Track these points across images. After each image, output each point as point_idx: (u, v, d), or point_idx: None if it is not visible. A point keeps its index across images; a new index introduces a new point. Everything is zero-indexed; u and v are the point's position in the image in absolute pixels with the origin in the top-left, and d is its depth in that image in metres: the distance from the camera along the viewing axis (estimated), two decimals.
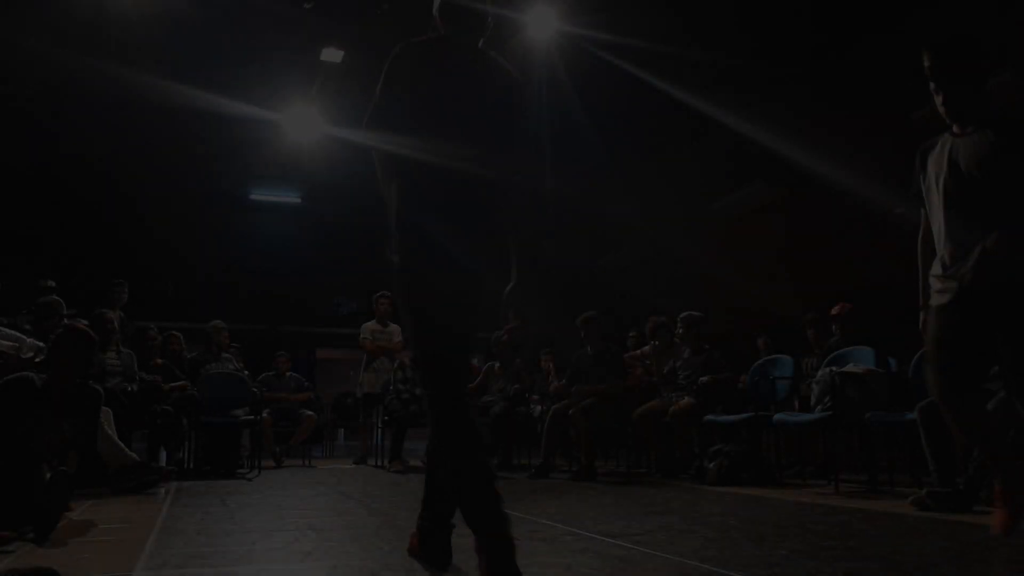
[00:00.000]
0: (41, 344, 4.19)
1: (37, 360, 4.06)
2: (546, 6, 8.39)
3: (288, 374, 7.88)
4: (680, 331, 6.16)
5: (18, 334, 4.28)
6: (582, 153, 11.45)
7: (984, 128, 2.62)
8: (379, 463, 7.34)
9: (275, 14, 8.52)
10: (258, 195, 16.02)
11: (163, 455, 6.36)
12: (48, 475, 3.09)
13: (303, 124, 11.39)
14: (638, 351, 7.32)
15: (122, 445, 4.84)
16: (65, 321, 5.48)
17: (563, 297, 12.67)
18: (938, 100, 2.73)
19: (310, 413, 7.62)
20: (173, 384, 6.16)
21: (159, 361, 6.43)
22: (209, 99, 10.33)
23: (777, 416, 5.24)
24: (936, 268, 2.59)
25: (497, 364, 7.50)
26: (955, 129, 2.72)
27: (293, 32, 9.01)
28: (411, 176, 2.13)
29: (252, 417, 6.39)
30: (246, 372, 7.25)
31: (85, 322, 5.95)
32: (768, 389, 5.46)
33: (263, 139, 11.90)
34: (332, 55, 9.46)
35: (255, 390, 6.52)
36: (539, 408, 7.09)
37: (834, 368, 4.80)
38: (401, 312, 2.23)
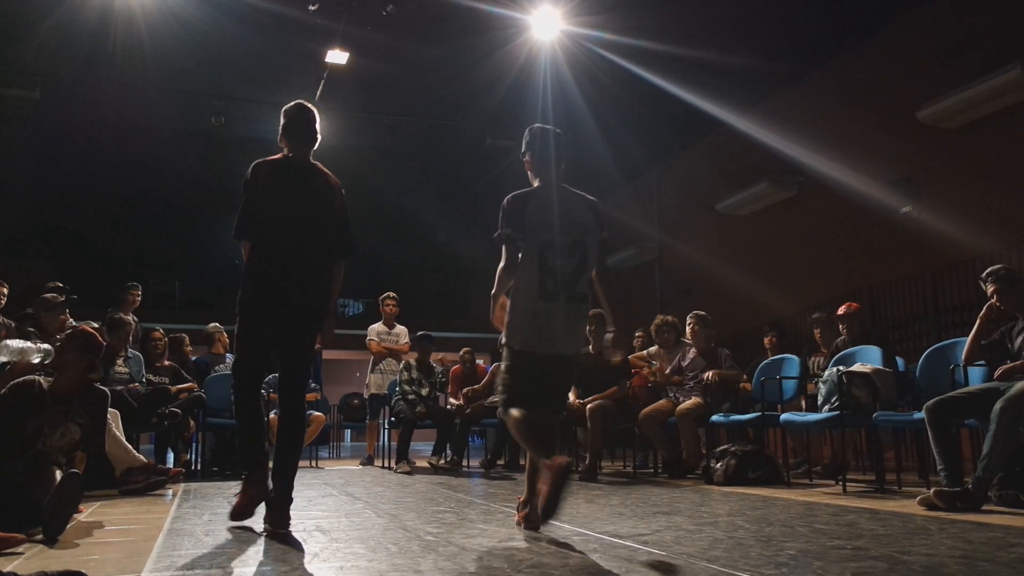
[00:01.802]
0: (48, 347, 4.20)
1: (45, 362, 4.08)
2: (551, 6, 8.39)
3: None
4: (688, 329, 6.15)
5: (24, 343, 4.30)
6: (587, 154, 11.44)
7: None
8: (386, 464, 7.35)
9: (280, 16, 8.54)
10: None
11: (170, 456, 6.39)
12: (58, 477, 3.10)
13: None
14: (644, 352, 7.30)
15: (129, 447, 4.86)
16: (71, 321, 5.51)
17: None
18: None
19: (317, 414, 7.62)
20: (180, 386, 6.18)
21: (166, 363, 6.45)
22: (214, 101, 10.35)
23: (784, 416, 5.23)
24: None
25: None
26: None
27: (298, 34, 9.04)
28: (259, 242, 3.19)
29: None
30: None
31: (95, 324, 5.98)
32: (775, 389, 5.45)
33: (268, 141, 11.93)
34: (337, 57, 9.48)
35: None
36: None
37: (841, 367, 4.78)
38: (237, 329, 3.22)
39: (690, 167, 11.62)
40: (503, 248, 2.96)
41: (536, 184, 3.12)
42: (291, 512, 3.06)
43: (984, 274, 4.15)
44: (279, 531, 2.95)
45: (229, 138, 11.75)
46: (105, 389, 3.85)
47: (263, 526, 3.04)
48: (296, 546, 2.68)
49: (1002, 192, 6.99)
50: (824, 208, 8.90)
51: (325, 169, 3.36)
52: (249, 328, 3.20)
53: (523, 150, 3.19)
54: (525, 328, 2.94)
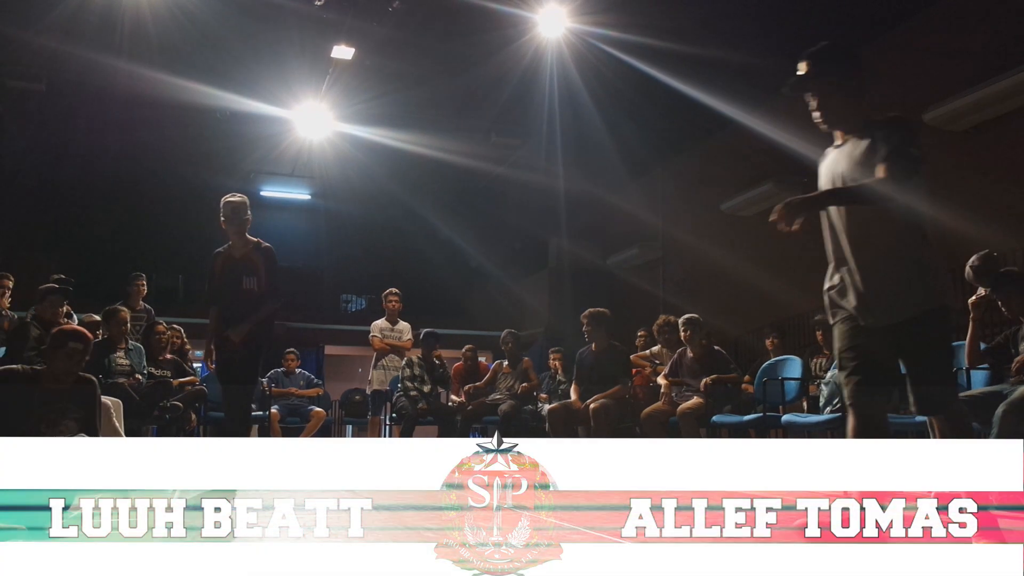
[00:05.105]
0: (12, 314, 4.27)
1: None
2: (557, 4, 8.36)
3: (297, 371, 7.90)
4: (682, 335, 6.10)
5: None
6: (593, 151, 11.41)
7: (858, 137, 2.64)
8: None
9: (286, 11, 8.53)
10: (268, 192, 16.07)
11: None
12: None
13: (313, 121, 11.40)
14: (648, 351, 7.30)
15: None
16: (67, 310, 5.52)
17: (574, 296, 12.68)
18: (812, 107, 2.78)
19: (319, 409, 7.63)
20: (182, 379, 6.18)
21: (168, 356, 6.45)
22: (220, 96, 10.35)
23: (786, 417, 5.21)
24: (828, 283, 2.80)
25: (505, 362, 7.49)
26: (835, 140, 2.79)
27: (304, 29, 9.03)
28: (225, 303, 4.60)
29: (260, 413, 6.41)
30: None
31: (96, 317, 5.99)
32: (777, 390, 5.43)
33: (273, 136, 11.94)
34: (343, 52, 9.47)
35: (263, 386, 6.55)
36: (547, 407, 7.08)
37: None
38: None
39: (696, 166, 11.59)
40: None
41: None
42: None
43: (975, 267, 4.06)
44: None
45: (232, 132, 11.75)
46: (93, 378, 3.82)
47: None
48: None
49: (1009, 196, 6.96)
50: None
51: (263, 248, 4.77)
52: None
53: None
54: None
